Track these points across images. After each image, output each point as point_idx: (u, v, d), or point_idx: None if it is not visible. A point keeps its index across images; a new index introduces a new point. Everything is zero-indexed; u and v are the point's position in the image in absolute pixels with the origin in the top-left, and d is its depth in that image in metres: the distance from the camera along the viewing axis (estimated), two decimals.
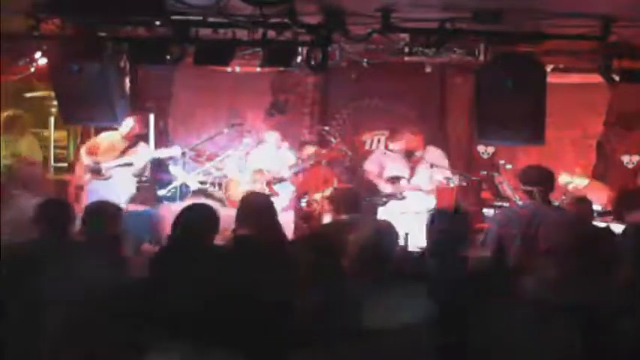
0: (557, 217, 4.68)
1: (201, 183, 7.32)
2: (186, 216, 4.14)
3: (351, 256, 3.38)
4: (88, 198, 6.64)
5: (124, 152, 7.03)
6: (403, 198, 6.76)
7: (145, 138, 7.52)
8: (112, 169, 6.97)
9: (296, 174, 7.49)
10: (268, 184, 7.14)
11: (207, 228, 4.11)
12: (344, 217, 5.05)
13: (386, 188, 6.97)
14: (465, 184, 6.80)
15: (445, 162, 7.03)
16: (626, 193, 4.97)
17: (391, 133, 7.44)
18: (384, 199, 6.89)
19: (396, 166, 6.99)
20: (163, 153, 7.25)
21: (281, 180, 7.27)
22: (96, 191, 6.77)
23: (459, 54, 5.93)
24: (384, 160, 7.15)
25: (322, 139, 8.01)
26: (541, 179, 4.86)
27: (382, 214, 6.73)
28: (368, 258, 3.38)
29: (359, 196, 5.48)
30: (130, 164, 7.02)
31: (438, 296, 2.94)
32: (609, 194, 6.71)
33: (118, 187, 6.89)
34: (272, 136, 7.41)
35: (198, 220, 4.13)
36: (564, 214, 4.91)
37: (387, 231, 3.72)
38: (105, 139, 7.15)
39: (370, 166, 7.29)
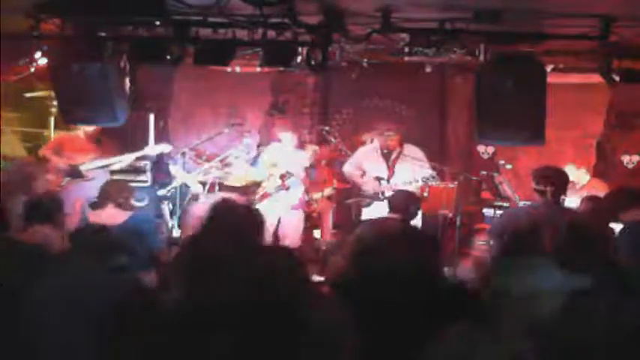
0: (567, 217, 4.61)
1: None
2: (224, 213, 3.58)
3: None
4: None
5: (94, 152, 6.75)
6: (385, 199, 6.68)
7: (142, 138, 7.51)
8: (93, 170, 6.66)
9: (309, 168, 7.39)
10: (282, 177, 7.09)
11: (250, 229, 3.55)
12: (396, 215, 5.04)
13: (368, 189, 6.81)
14: (439, 181, 6.73)
15: (423, 160, 6.79)
16: (621, 192, 4.94)
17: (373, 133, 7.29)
18: (368, 201, 6.76)
19: (374, 167, 6.83)
20: (153, 150, 7.11)
21: (293, 174, 7.18)
22: (77, 194, 6.29)
23: (459, 54, 5.92)
24: (362, 161, 6.99)
25: (322, 139, 8.02)
26: (554, 179, 4.84)
27: (367, 215, 6.63)
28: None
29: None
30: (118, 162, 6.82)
31: None
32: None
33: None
34: (287, 137, 7.31)
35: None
36: (575, 215, 4.86)
37: None
38: (69, 139, 6.86)
39: (349, 170, 7.09)
